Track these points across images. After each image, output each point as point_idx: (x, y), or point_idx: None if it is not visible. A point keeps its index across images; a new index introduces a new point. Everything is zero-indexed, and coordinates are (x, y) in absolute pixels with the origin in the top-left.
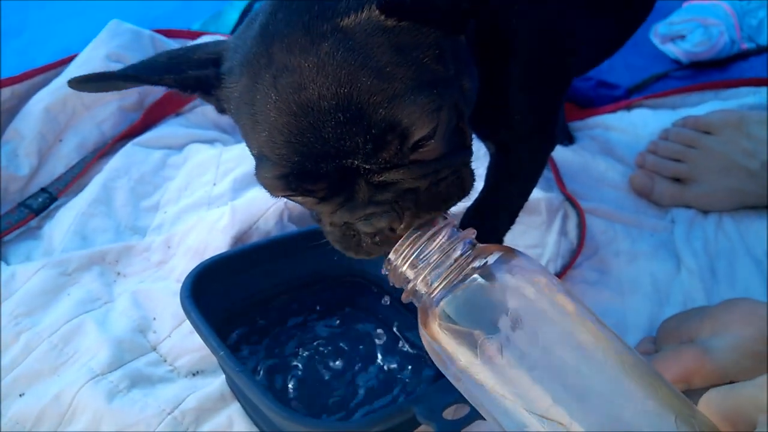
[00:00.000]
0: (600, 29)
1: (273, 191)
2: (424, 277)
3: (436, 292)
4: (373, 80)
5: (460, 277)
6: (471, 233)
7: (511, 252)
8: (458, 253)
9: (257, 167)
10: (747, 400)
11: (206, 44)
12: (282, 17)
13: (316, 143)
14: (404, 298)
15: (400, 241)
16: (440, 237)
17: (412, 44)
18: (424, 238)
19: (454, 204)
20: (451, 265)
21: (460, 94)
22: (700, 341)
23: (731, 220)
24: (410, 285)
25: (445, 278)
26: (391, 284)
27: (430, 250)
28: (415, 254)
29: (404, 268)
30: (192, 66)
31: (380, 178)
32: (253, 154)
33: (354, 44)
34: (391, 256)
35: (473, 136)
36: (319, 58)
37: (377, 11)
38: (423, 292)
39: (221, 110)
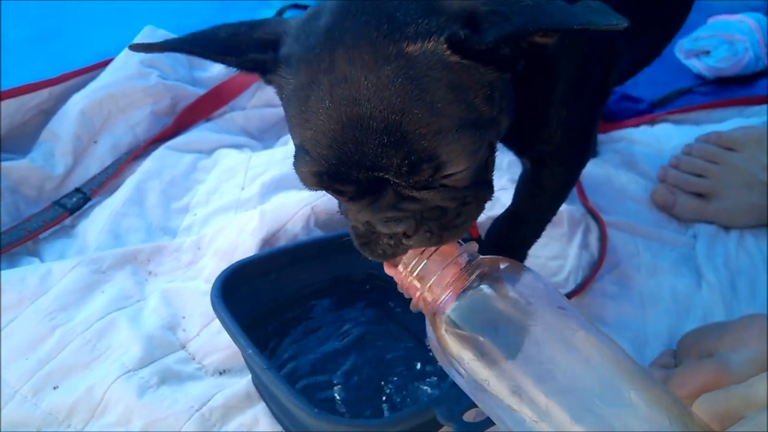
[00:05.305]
0: (636, 44)
1: (306, 184)
2: (431, 286)
3: (442, 300)
4: (424, 114)
5: (465, 286)
6: (474, 246)
7: (513, 264)
8: (463, 264)
9: (296, 157)
10: (738, 399)
11: (267, 22)
12: (350, 27)
13: (355, 154)
14: (413, 307)
15: (408, 253)
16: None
17: (468, 84)
18: (431, 249)
19: (466, 230)
20: (456, 276)
21: (496, 133)
22: (719, 356)
23: (752, 237)
24: (418, 294)
25: (450, 288)
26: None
27: (436, 262)
28: (422, 266)
29: (412, 278)
30: (252, 47)
31: (409, 193)
32: (294, 143)
33: (414, 74)
34: (400, 267)
35: (500, 146)
36: (379, 79)
37: (444, 45)
38: (430, 300)
39: (268, 83)
